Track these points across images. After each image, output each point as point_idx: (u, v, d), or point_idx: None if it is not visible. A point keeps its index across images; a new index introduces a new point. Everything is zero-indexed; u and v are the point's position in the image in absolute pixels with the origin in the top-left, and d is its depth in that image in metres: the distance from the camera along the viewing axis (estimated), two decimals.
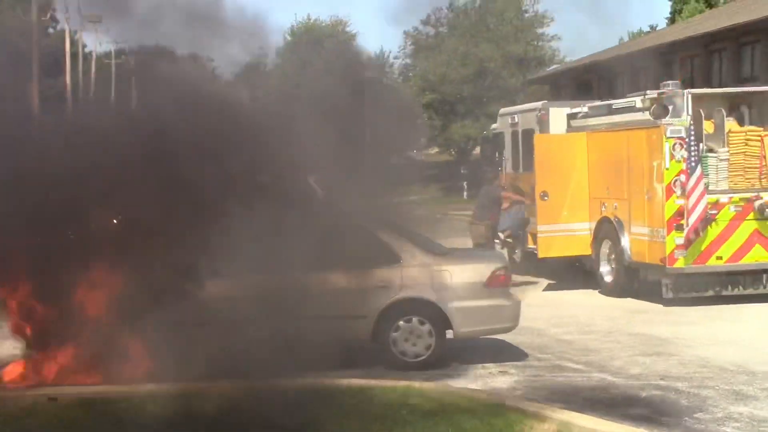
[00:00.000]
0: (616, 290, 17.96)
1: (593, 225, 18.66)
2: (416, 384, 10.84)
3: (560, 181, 18.76)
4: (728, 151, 16.55)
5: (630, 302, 17.33)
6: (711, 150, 16.63)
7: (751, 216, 16.51)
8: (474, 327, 12.42)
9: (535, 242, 19.60)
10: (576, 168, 18.79)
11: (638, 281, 17.68)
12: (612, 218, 18.00)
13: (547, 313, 16.50)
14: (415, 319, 12.23)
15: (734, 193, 16.57)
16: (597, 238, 18.53)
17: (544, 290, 19.40)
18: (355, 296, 12.12)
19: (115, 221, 11.62)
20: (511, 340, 13.72)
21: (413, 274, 12.27)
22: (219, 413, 9.48)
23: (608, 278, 18.26)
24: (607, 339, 14.09)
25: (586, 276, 19.25)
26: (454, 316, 12.21)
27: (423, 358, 12.24)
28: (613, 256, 18.07)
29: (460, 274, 12.36)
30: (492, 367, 12.36)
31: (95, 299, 11.11)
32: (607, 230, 18.22)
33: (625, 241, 17.60)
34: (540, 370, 12.20)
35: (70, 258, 10.95)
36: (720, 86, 30.60)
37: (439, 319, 12.25)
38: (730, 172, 16.57)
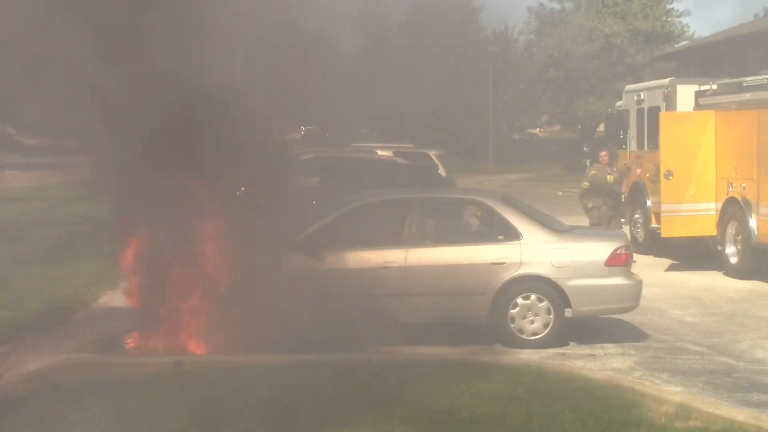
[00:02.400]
0: (742, 272, 17.57)
1: (719, 205, 18.25)
2: (533, 363, 10.82)
3: (686, 160, 18.39)
4: None
5: (756, 284, 16.93)
6: None
7: None
8: (593, 306, 12.30)
9: (658, 221, 19.29)
10: (703, 147, 18.39)
11: (765, 263, 17.23)
12: (739, 198, 17.58)
13: (669, 293, 16.25)
14: (533, 297, 12.17)
15: None
16: (723, 219, 18.13)
17: (666, 270, 19.06)
18: (474, 272, 12.13)
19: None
20: (631, 320, 13.57)
21: (533, 251, 12.19)
22: (337, 387, 9.56)
23: (734, 260, 17.87)
24: (731, 322, 13.81)
25: (710, 257, 18.87)
26: (573, 295, 12.11)
27: (541, 336, 12.18)
28: (739, 237, 17.67)
29: (581, 252, 12.26)
30: (611, 348, 12.23)
31: (220, 266, 11.37)
32: (733, 211, 17.81)
33: (753, 222, 17.18)
34: (660, 352, 12.02)
35: (198, 223, 11.22)
36: None
37: (557, 296, 12.17)
38: None
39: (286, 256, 12.05)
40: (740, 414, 8.82)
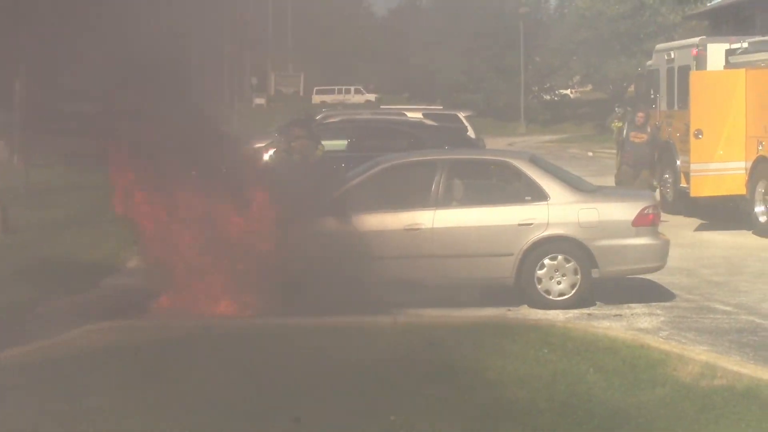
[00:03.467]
0: None
1: (749, 164, 18.17)
2: (559, 323, 10.86)
3: (716, 119, 18.30)
4: None
5: None
6: None
7: None
8: (620, 266, 12.31)
9: (687, 181, 19.22)
10: (733, 106, 18.28)
11: None
12: None
13: (697, 253, 16.24)
14: (560, 257, 12.18)
15: None
16: (752, 178, 18.06)
17: (695, 230, 19.02)
18: (501, 233, 12.16)
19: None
20: (658, 280, 13.56)
21: (560, 211, 12.19)
22: (359, 350, 9.63)
23: (763, 219, 17.82)
24: (759, 281, 13.79)
25: (739, 217, 18.80)
26: (599, 255, 12.12)
27: (568, 296, 12.20)
28: None
29: (608, 212, 12.26)
30: (638, 308, 12.25)
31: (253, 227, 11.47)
32: (763, 170, 17.74)
33: None
34: (687, 311, 12.03)
35: (220, 187, 11.29)
36: None
37: (585, 257, 12.17)
38: None
39: (317, 218, 12.12)
40: (765, 372, 8.82)
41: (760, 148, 17.83)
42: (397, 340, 10.03)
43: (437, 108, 28.38)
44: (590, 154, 42.51)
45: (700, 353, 9.52)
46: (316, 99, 76.76)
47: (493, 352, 9.52)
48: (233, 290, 11.52)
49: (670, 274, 14.17)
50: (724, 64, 19.20)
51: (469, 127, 22.42)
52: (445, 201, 12.34)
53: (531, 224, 12.14)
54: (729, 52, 19.15)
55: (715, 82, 18.66)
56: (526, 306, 12.31)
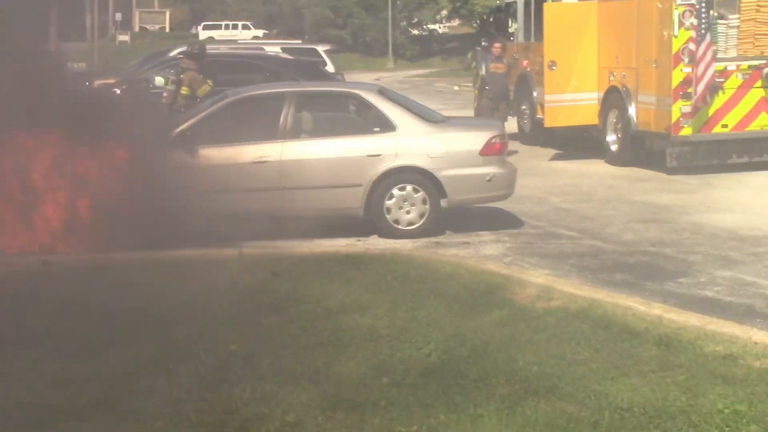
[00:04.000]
0: (622, 159, 17.89)
1: (601, 94, 18.48)
2: (404, 252, 10.94)
3: (569, 50, 18.51)
4: (739, 18, 16.25)
5: (634, 171, 17.27)
6: (722, 17, 16.32)
7: (758, 84, 16.32)
8: (468, 195, 12.42)
9: (542, 112, 19.48)
10: (586, 37, 18.53)
11: (644, 150, 17.54)
12: (620, 87, 17.82)
13: (550, 182, 16.50)
14: (409, 187, 12.23)
15: (742, 60, 16.33)
16: (604, 108, 18.38)
17: (550, 160, 19.33)
18: (350, 165, 12.15)
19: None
20: (510, 208, 13.75)
21: (408, 142, 12.22)
22: (202, 283, 9.53)
23: (614, 147, 18.18)
24: (606, 207, 14.09)
25: (594, 146, 19.15)
26: (447, 184, 12.21)
27: (417, 225, 12.28)
28: (619, 125, 17.94)
29: (455, 142, 12.33)
30: (486, 235, 12.40)
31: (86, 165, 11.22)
32: (614, 99, 18.06)
33: (632, 110, 17.44)
34: (533, 238, 12.24)
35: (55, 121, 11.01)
36: None
37: (433, 186, 12.25)
38: (739, 39, 16.34)
39: (162, 152, 11.91)
40: (598, 293, 9.03)
41: (612, 78, 18.13)
42: (241, 272, 9.96)
43: (296, 42, 28.09)
44: (456, 88, 42.79)
45: (538, 276, 9.70)
46: (203, 34, 75.21)
47: (337, 282, 9.53)
48: (77, 226, 11.28)
49: (520, 202, 14.39)
50: None
51: (328, 61, 22.30)
52: (293, 133, 12.26)
53: (379, 155, 12.15)
54: None
55: (568, 13, 18.86)
56: (376, 236, 12.36)
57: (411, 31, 71.70)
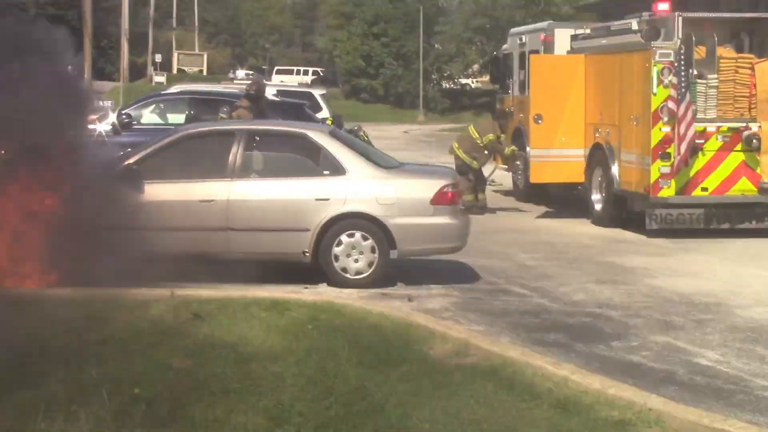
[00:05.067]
0: (606, 219, 17.54)
1: (587, 151, 18.20)
2: (338, 301, 10.66)
3: (556, 104, 18.27)
4: (718, 78, 15.95)
5: (616, 232, 16.93)
6: (701, 76, 16.03)
7: (738, 147, 15.96)
8: (417, 245, 12.12)
9: None
10: (573, 91, 18.27)
11: (626, 211, 17.19)
12: (604, 144, 17.53)
13: (525, 239, 16.22)
14: (358, 234, 11.96)
15: (723, 122, 16.01)
16: (590, 165, 18.08)
17: (537, 217, 19.03)
18: (298, 208, 11.94)
19: None
20: (471, 263, 13.51)
21: (358, 187, 11.97)
22: (128, 323, 9.34)
23: (598, 207, 17.84)
24: (570, 266, 13.77)
25: (583, 205, 18.85)
26: (397, 233, 11.93)
27: (365, 275, 12.00)
28: (603, 184, 17.63)
29: (406, 190, 12.07)
30: (437, 289, 12.12)
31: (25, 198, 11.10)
32: (599, 157, 17.75)
33: (615, 169, 17.13)
34: (483, 294, 11.93)
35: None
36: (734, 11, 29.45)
37: (382, 235, 11.97)
38: (719, 100, 16.00)
39: (109, 186, 11.75)
40: (513, 351, 8.73)
41: (597, 135, 17.85)
42: (165, 313, 9.76)
43: (292, 85, 28.06)
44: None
45: (461, 332, 9.41)
46: (275, 79, 76.29)
47: (257, 328, 9.30)
48: (16, 260, 11.15)
49: (487, 257, 14.17)
50: (568, 49, 19.19)
51: (323, 105, 22.14)
52: (242, 173, 12.05)
53: (328, 199, 11.92)
54: (573, 37, 19.16)
55: (555, 66, 18.65)
56: (325, 284, 12.11)
57: (442, 85, 71.83)
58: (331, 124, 17.30)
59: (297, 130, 12.69)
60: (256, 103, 16.07)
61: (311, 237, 11.90)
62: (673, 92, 15.51)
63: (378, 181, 12.02)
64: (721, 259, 14.30)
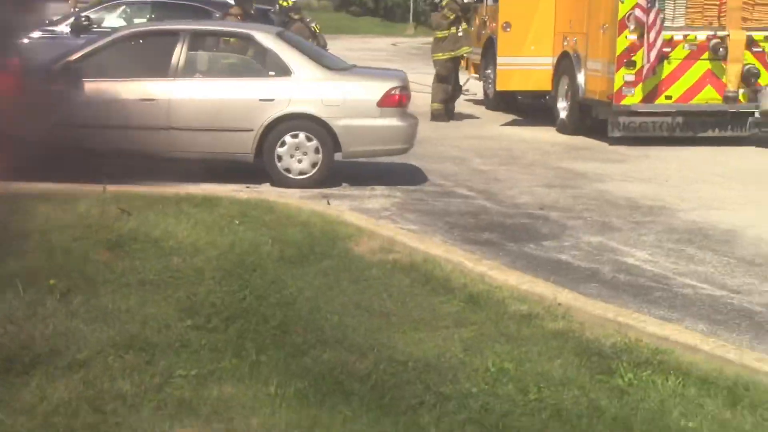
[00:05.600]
0: (570, 127, 17.29)
1: (555, 60, 17.90)
2: (271, 198, 10.52)
3: (525, 12, 17.92)
4: None
5: (579, 140, 16.68)
6: None
7: (705, 56, 15.67)
8: (363, 146, 11.93)
9: None
10: (542, 0, 17.93)
11: (591, 119, 16.94)
12: (571, 53, 17.22)
13: (485, 145, 15.99)
14: (302, 135, 11.77)
15: (690, 30, 15.70)
16: (557, 73, 17.79)
17: (502, 125, 18.78)
18: (241, 108, 11.73)
19: None
20: (424, 166, 13.38)
21: (303, 88, 11.75)
22: (54, 218, 9.19)
23: (563, 115, 17.58)
24: (523, 171, 13.56)
25: (550, 114, 18.58)
26: (342, 134, 11.74)
27: (308, 175, 11.83)
28: (569, 92, 17.36)
29: (353, 92, 11.84)
30: (381, 190, 11.94)
31: None
32: (566, 65, 17.46)
33: (581, 77, 16.84)
34: (427, 195, 11.75)
35: None
36: None
37: (327, 136, 11.77)
38: (687, 8, 15.68)
39: (50, 82, 11.54)
40: (438, 248, 8.59)
41: (565, 43, 17.54)
42: (92, 208, 9.60)
43: None
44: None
45: (389, 230, 9.26)
46: None
47: (184, 223, 9.15)
48: None
49: (441, 162, 14.02)
50: None
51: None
52: (186, 72, 11.81)
53: (273, 100, 11.69)
54: None
55: None
56: (268, 184, 11.96)
57: None
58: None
59: (242, 30, 12.41)
60: (243, 7, 16.56)
61: (254, 137, 11.71)
62: (642, 1, 15.18)
63: (324, 83, 11.79)
64: (679, 166, 14.09)
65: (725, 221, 10.31)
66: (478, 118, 19.87)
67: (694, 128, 15.89)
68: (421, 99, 19.44)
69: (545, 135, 17.28)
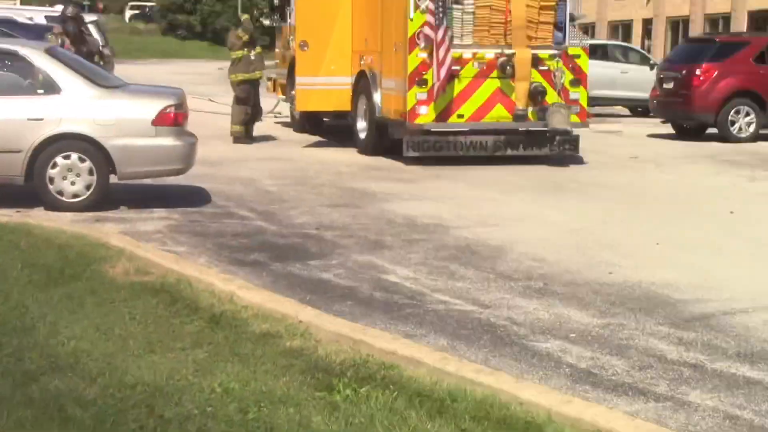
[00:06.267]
0: (369, 148, 17.34)
1: (354, 79, 17.91)
2: (32, 222, 10.14)
3: (321, 31, 17.88)
4: (474, 4, 15.82)
5: (376, 160, 16.73)
6: (457, 2, 15.86)
7: (494, 74, 15.90)
8: (138, 167, 11.62)
9: None
10: (339, 18, 17.92)
11: (389, 139, 16.98)
12: (368, 72, 17.26)
13: (282, 166, 15.88)
14: (74, 156, 11.40)
15: (479, 48, 15.91)
16: (356, 93, 17.81)
17: (305, 146, 18.70)
18: (8, 128, 11.28)
19: None
20: (211, 188, 13.19)
21: (74, 107, 11.37)
22: None
23: (363, 135, 17.61)
24: (311, 191, 13.45)
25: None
26: (116, 155, 11.40)
27: (81, 198, 11.47)
28: (367, 112, 17.38)
29: (126, 110, 11.53)
30: (160, 212, 11.67)
31: None
32: (363, 85, 17.50)
33: (377, 96, 16.91)
34: (205, 217, 11.50)
35: None
36: None
37: (101, 156, 11.43)
38: (475, 26, 15.88)
39: None
40: (192, 269, 8.41)
41: (362, 62, 17.58)
42: None
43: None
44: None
45: (149, 251, 9.02)
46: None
47: None
48: None
49: (230, 183, 13.86)
50: None
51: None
52: None
53: (42, 119, 11.29)
54: None
55: None
56: (42, 208, 11.53)
57: (263, 21, 70.68)
58: None
59: (7, 46, 11.94)
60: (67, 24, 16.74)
61: (24, 159, 11.29)
62: (430, 18, 15.31)
63: (96, 101, 11.45)
64: (467, 185, 14.21)
65: (495, 237, 10.38)
66: (281, 140, 19.75)
67: (487, 148, 16.07)
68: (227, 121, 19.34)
69: (345, 156, 17.25)
